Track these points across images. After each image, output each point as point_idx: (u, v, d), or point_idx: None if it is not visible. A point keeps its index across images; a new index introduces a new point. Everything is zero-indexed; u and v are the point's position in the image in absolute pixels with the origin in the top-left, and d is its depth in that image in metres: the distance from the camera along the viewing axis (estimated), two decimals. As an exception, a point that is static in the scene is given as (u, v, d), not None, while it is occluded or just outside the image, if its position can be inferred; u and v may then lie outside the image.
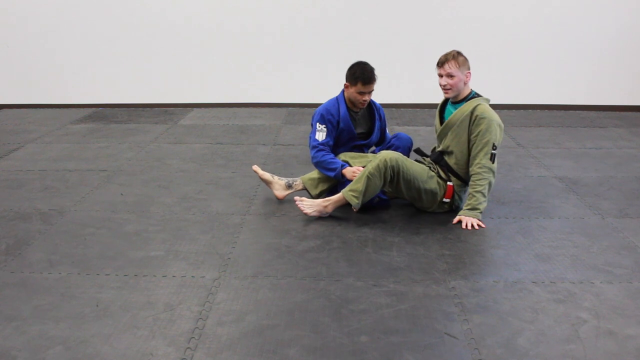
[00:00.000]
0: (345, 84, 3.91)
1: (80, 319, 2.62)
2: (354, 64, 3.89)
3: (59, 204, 4.00)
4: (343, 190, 3.68)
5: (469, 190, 3.66)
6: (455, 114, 3.65)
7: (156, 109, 7.14)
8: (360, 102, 3.91)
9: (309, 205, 3.71)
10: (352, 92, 3.88)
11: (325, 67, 6.92)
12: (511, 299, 2.78)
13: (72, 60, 7.12)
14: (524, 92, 7.00)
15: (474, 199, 3.60)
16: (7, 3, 6.97)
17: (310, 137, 3.99)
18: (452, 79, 3.59)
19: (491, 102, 3.73)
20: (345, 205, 3.85)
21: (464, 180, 3.76)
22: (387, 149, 3.98)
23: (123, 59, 7.11)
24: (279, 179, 4.05)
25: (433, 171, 3.73)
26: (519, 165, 4.87)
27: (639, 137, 5.78)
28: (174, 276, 3.01)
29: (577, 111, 6.89)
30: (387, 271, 3.05)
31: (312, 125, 4.02)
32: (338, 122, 3.95)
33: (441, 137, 3.76)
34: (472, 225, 3.56)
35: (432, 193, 3.69)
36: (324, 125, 3.95)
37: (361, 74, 3.82)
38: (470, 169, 3.64)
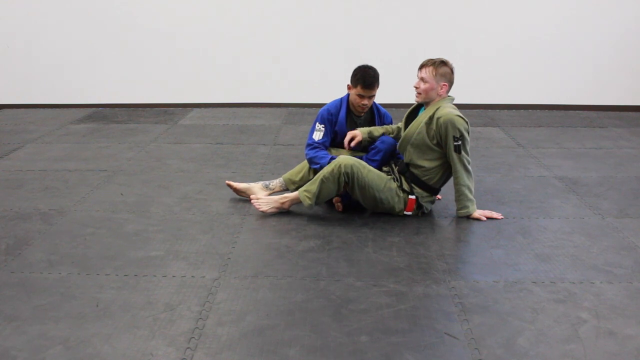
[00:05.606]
0: (348, 85, 3.89)
1: (80, 319, 2.62)
2: (360, 66, 3.84)
3: (59, 204, 4.00)
4: (299, 190, 3.69)
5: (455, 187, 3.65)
6: (412, 125, 3.63)
7: (156, 109, 7.14)
8: (360, 106, 3.87)
9: (266, 203, 3.76)
10: (352, 94, 3.86)
11: (325, 67, 6.92)
12: (511, 299, 2.78)
13: (72, 60, 7.11)
14: (524, 92, 6.99)
15: (459, 197, 3.63)
16: (7, 3, 6.97)
17: (308, 136, 3.99)
18: (423, 84, 3.57)
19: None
20: (347, 206, 3.85)
21: (432, 190, 3.70)
22: (369, 151, 3.92)
23: (123, 59, 7.11)
24: (254, 184, 4.06)
25: (395, 182, 3.68)
26: (519, 165, 4.87)
27: (639, 137, 5.78)
28: (174, 276, 3.01)
29: (577, 111, 6.89)
30: (387, 271, 3.05)
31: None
32: (335, 123, 3.94)
33: (402, 149, 3.72)
34: (484, 217, 3.65)
35: (389, 203, 3.66)
36: (322, 125, 3.94)
37: (362, 77, 3.76)
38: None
